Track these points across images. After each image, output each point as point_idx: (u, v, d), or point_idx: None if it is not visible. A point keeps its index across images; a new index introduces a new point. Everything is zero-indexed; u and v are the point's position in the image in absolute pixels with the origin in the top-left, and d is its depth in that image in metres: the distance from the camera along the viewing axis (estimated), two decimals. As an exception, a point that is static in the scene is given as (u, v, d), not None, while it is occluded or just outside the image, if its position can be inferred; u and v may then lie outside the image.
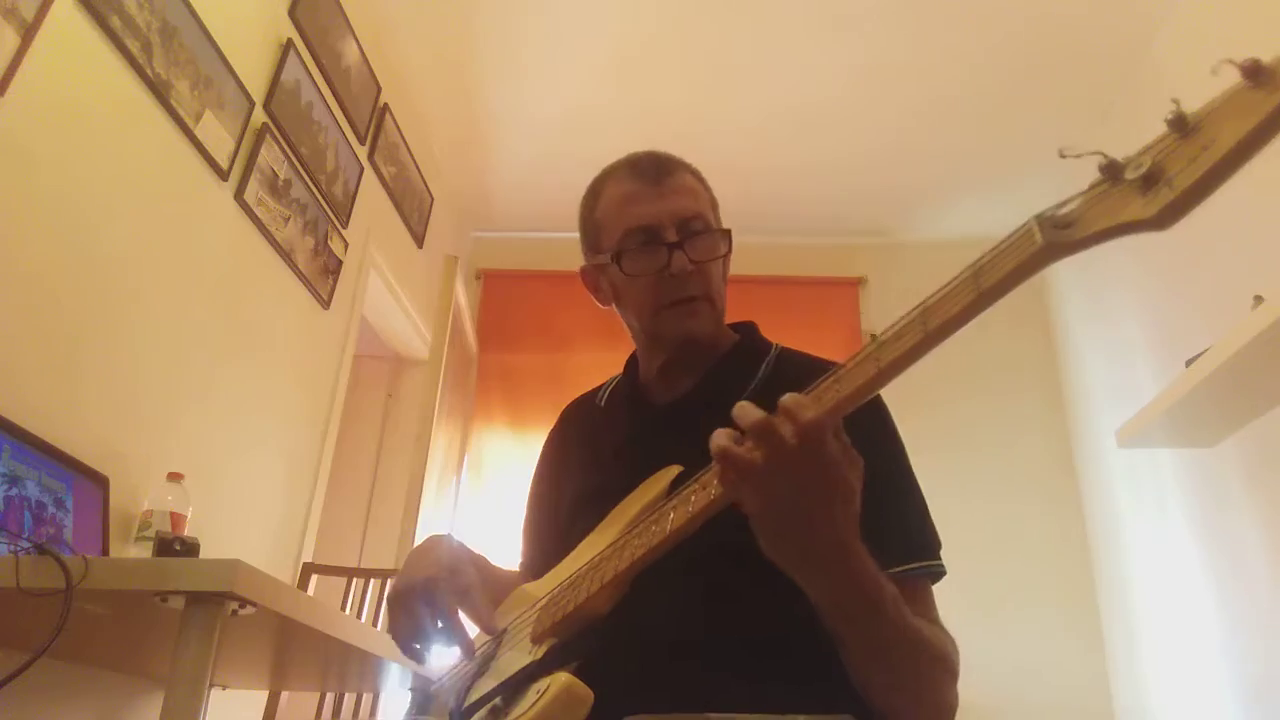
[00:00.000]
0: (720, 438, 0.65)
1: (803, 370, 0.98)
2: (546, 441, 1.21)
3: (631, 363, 1.13)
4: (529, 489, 1.19)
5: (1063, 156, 0.56)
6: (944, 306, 0.58)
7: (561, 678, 0.72)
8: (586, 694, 0.71)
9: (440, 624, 0.87)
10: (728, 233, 1.03)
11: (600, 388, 1.19)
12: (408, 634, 0.88)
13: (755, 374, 1.00)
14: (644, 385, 1.09)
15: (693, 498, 0.72)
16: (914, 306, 0.60)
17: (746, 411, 0.65)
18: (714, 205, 1.07)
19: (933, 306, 0.59)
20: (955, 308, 0.57)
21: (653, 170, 1.03)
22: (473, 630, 0.91)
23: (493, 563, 1.13)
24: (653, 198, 1.00)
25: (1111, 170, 0.51)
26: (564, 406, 1.22)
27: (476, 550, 1.05)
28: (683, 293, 0.99)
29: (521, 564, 1.17)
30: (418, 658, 0.91)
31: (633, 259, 1.00)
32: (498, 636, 0.92)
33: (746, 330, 1.09)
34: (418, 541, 1.45)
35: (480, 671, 0.89)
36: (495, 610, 0.97)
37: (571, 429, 1.18)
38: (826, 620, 0.75)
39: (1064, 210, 0.54)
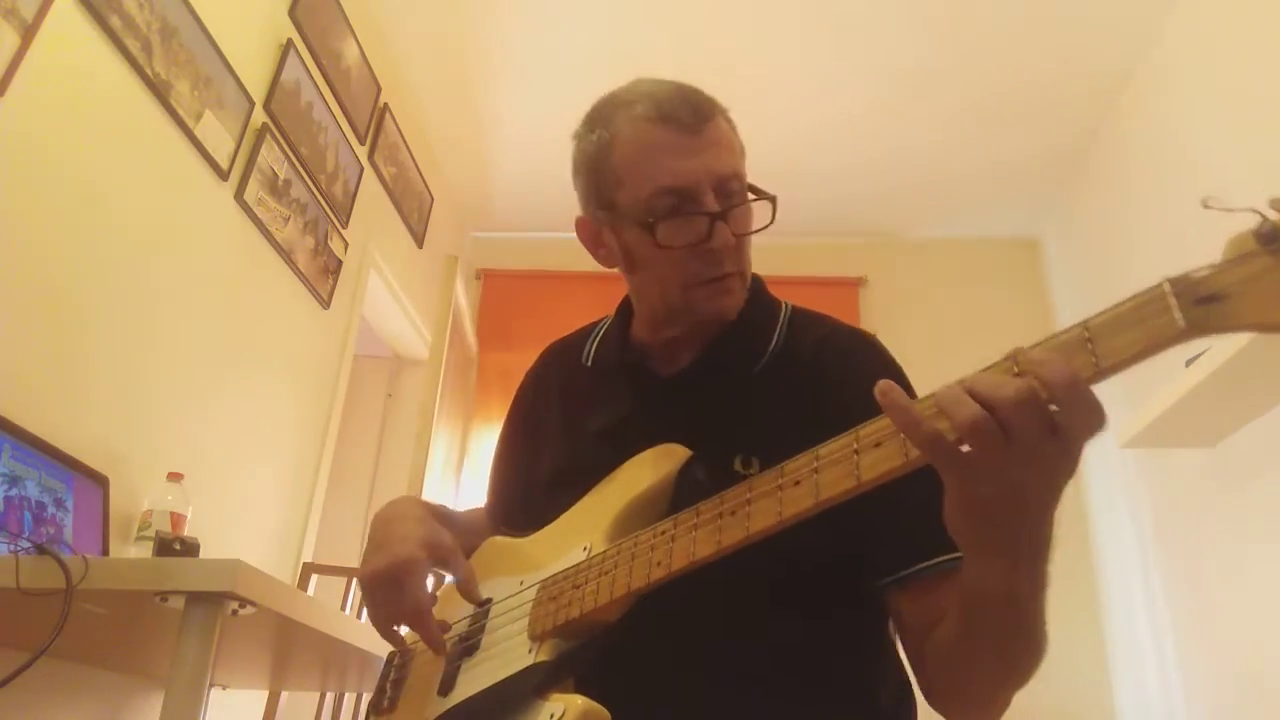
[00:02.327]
0: (935, 420, 0.55)
1: (820, 337, 0.93)
2: (524, 384, 1.11)
3: (623, 314, 1.00)
4: (501, 431, 1.11)
5: (1206, 207, 0.46)
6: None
7: (578, 702, 0.70)
8: (604, 716, 0.69)
9: (409, 617, 0.85)
10: (773, 200, 0.87)
11: (585, 335, 1.05)
12: (385, 623, 0.87)
13: (767, 344, 0.92)
14: (641, 349, 0.96)
15: (754, 515, 0.66)
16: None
17: (996, 385, 0.56)
18: (744, 154, 0.91)
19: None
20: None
21: (690, 115, 0.85)
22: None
23: (453, 511, 1.08)
24: (689, 151, 0.84)
25: (1273, 238, 0.41)
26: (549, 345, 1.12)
27: (435, 504, 1.00)
28: (719, 269, 0.85)
29: (489, 504, 1.10)
30: (400, 643, 0.90)
31: (670, 229, 0.84)
32: (484, 607, 0.89)
33: (753, 288, 0.95)
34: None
35: (468, 649, 0.86)
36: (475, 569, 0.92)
37: (552, 378, 1.06)
38: (988, 606, 0.68)
39: (1205, 277, 0.44)
